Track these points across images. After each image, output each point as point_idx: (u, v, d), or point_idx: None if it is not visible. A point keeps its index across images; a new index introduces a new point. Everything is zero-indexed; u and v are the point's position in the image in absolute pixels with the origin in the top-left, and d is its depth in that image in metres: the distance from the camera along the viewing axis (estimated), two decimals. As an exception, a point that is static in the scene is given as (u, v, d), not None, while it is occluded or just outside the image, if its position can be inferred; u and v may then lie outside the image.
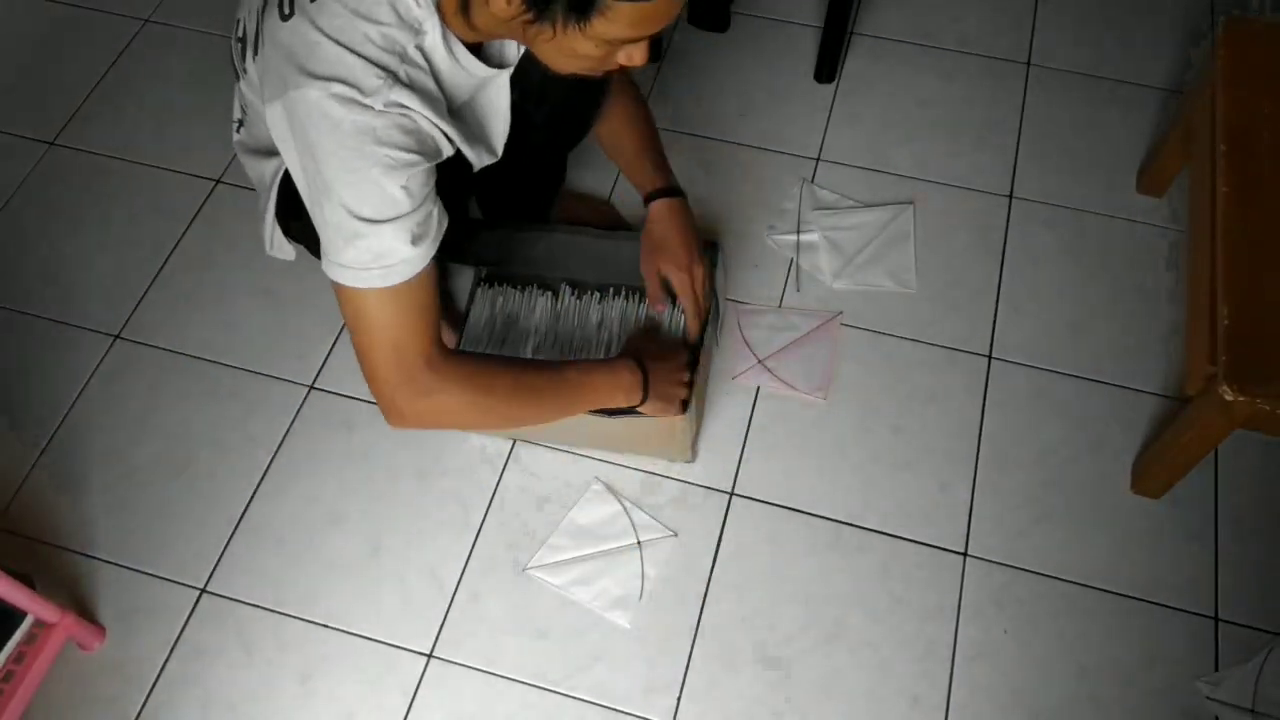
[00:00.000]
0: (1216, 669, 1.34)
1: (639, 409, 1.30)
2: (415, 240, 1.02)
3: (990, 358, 1.59)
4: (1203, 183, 1.37)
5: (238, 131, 1.31)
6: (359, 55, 0.97)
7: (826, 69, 1.88)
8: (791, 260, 1.69)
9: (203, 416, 1.55)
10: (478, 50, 1.08)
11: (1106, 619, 1.38)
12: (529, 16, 0.94)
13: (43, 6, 2.03)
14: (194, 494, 1.48)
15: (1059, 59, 1.92)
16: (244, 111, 1.26)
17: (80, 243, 1.73)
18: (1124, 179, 1.77)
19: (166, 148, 1.83)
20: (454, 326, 1.50)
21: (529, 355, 1.40)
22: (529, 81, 1.17)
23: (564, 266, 1.49)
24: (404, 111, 1.00)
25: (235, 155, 1.80)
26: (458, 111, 1.11)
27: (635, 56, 1.01)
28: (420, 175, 1.02)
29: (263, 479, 1.50)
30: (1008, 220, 1.73)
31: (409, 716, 1.33)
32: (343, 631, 1.38)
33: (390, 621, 1.39)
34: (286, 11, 1.00)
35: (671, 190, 1.40)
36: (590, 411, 1.36)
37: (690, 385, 1.35)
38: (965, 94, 1.88)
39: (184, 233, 1.73)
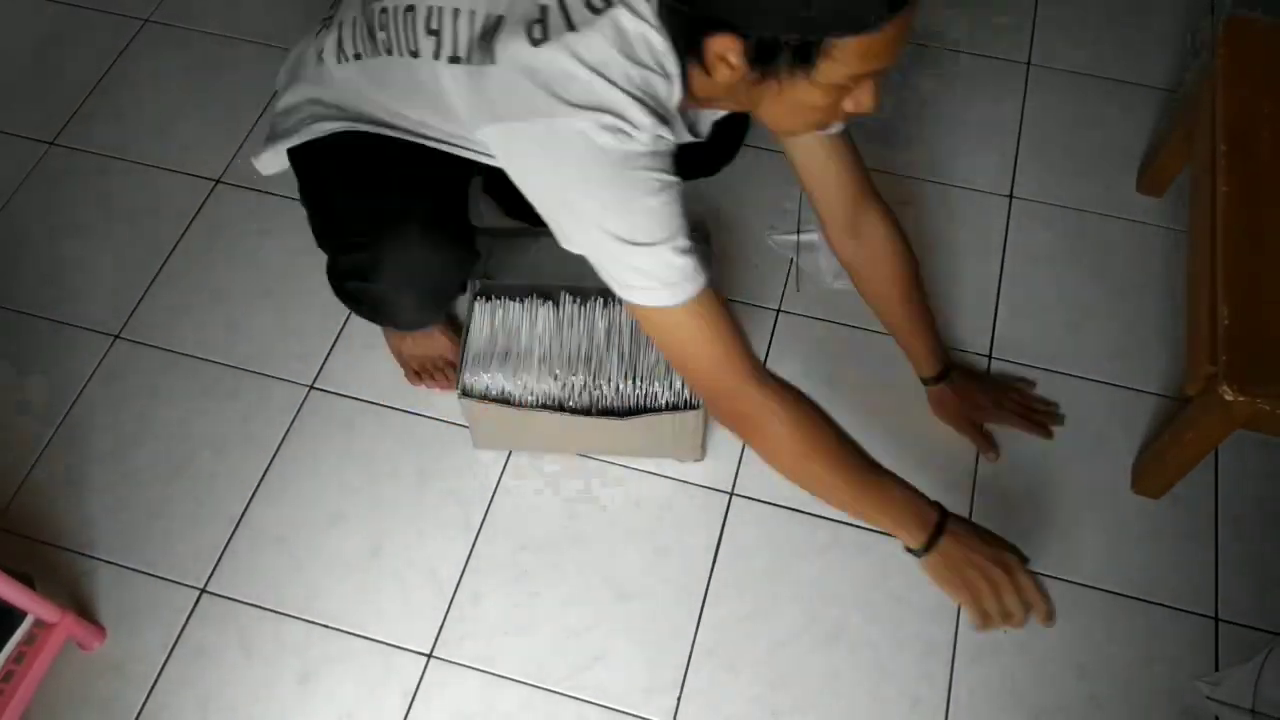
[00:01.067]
0: (1216, 669, 1.34)
1: (916, 555, 1.12)
2: (686, 252, 1.01)
3: (990, 358, 1.59)
4: (1203, 182, 1.37)
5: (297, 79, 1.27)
6: (624, 91, 0.97)
7: (827, 69, 1.88)
8: (791, 260, 1.69)
9: (203, 417, 1.55)
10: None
11: (1106, 619, 1.38)
12: (754, 76, 0.93)
13: (43, 6, 2.03)
14: (194, 494, 1.48)
15: (1059, 59, 1.92)
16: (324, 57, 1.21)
17: (80, 243, 1.72)
18: (1124, 179, 1.77)
19: (166, 147, 1.83)
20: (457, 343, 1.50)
21: (535, 368, 1.39)
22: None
23: (560, 272, 1.47)
24: (664, 139, 1.00)
25: (235, 153, 1.80)
26: None
27: (863, 101, 0.97)
28: (680, 196, 1.02)
29: (263, 479, 1.50)
30: (1008, 220, 1.73)
31: (409, 716, 1.33)
32: (343, 632, 1.38)
33: (390, 622, 1.39)
34: (538, 37, 0.97)
35: (950, 367, 1.47)
36: (599, 414, 1.37)
37: (979, 566, 1.11)
38: (965, 94, 1.88)
39: (184, 233, 1.73)
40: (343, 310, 1.63)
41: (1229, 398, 1.18)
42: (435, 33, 1.05)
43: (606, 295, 1.44)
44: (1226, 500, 1.46)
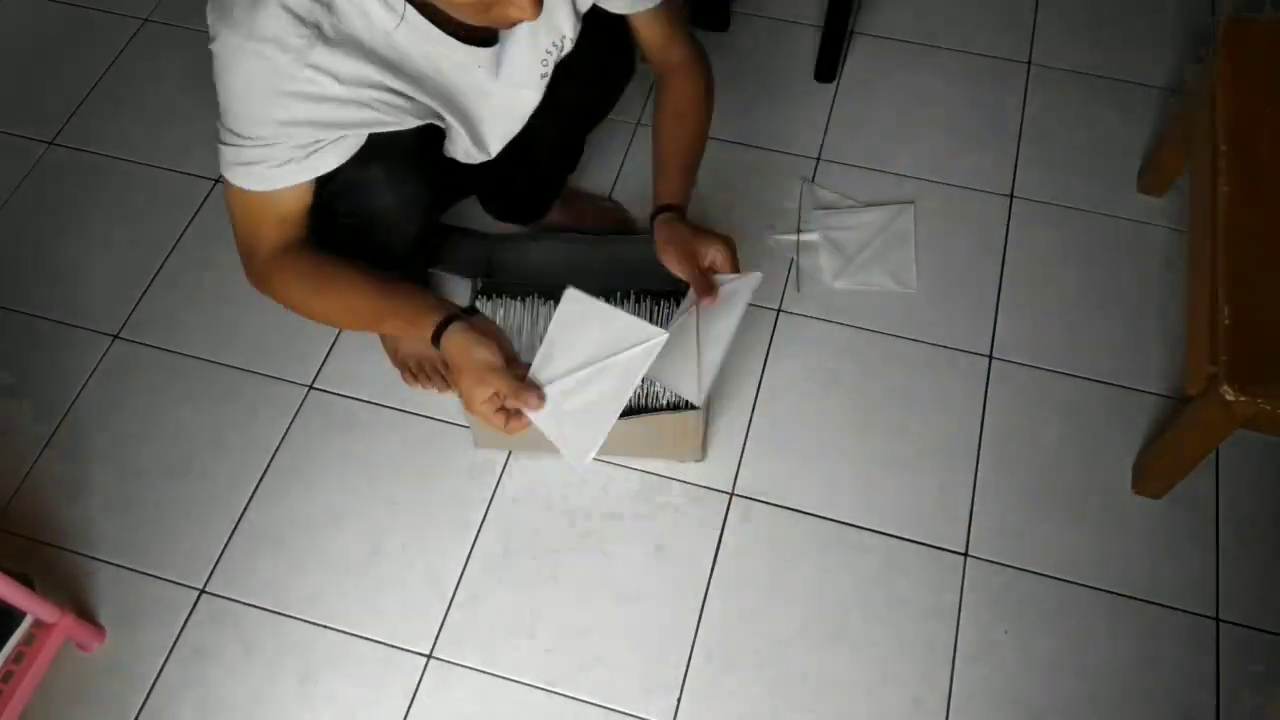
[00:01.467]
0: (1217, 669, 1.34)
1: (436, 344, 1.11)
2: (278, 159, 1.06)
3: (990, 358, 1.59)
4: (1204, 182, 1.37)
5: None
6: (285, 8, 0.97)
7: (827, 68, 1.88)
8: (792, 260, 1.69)
9: (202, 416, 1.55)
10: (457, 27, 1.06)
11: (1107, 619, 1.38)
12: None
13: (42, 6, 2.03)
14: (193, 494, 1.48)
15: (1059, 59, 1.92)
16: None
17: (79, 242, 1.72)
18: (1124, 179, 1.77)
19: (166, 147, 1.83)
20: None
21: None
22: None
23: (561, 272, 1.48)
24: (317, 79, 1.00)
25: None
26: (426, 86, 1.11)
27: (520, 4, 0.94)
28: (320, 112, 1.03)
29: (262, 479, 1.49)
30: (1008, 220, 1.73)
31: (409, 717, 1.32)
32: (343, 632, 1.38)
33: (390, 622, 1.39)
34: None
35: (680, 208, 1.30)
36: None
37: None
38: (965, 94, 1.88)
39: (183, 232, 1.73)
40: (342, 310, 1.63)
41: (1230, 398, 1.18)
42: None
43: (610, 296, 1.44)
44: (1227, 500, 1.46)
